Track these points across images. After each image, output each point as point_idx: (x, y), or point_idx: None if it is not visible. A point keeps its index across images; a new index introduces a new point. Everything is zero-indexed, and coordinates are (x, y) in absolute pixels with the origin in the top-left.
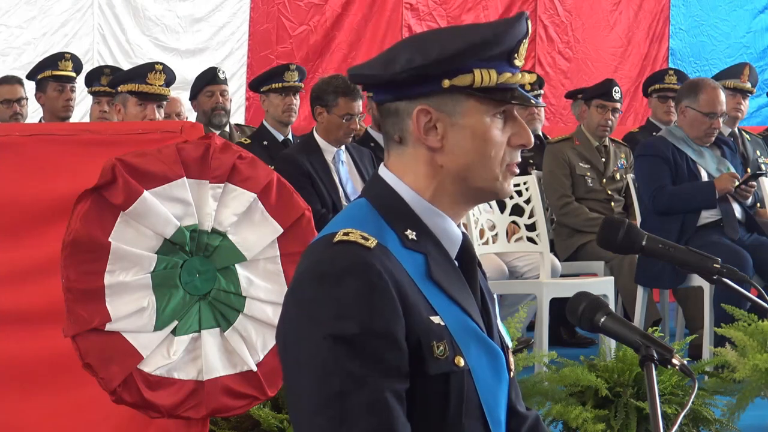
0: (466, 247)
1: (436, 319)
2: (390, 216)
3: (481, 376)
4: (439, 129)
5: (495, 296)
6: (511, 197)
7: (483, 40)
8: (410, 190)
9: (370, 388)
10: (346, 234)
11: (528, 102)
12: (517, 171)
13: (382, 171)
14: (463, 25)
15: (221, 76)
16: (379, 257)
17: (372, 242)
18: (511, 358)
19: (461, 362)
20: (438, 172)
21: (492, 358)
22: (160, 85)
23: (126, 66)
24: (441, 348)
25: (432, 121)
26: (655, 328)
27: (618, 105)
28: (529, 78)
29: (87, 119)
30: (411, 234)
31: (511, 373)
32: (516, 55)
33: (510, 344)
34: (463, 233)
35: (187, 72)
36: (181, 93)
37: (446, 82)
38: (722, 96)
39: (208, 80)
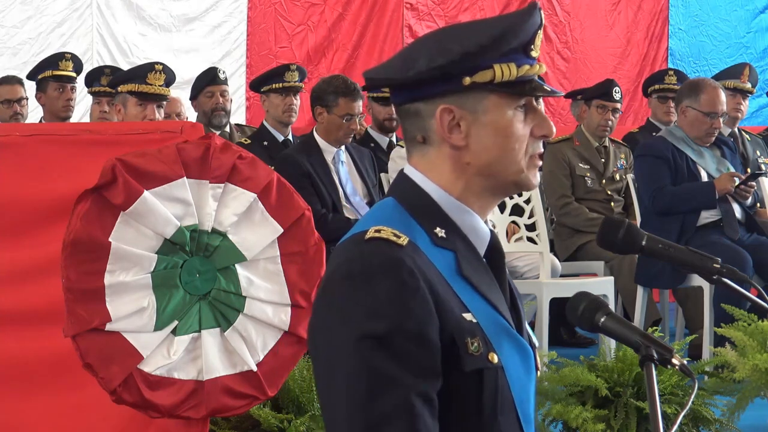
0: (495, 244)
1: (468, 316)
2: (418, 214)
3: (513, 372)
4: (462, 127)
5: None
6: (511, 197)
7: (502, 34)
8: (438, 188)
9: (398, 390)
10: (378, 231)
11: (546, 92)
12: (540, 162)
13: (408, 170)
14: (477, 21)
15: (221, 76)
16: (410, 255)
17: (404, 240)
18: (539, 357)
19: (495, 359)
20: (465, 170)
21: (523, 355)
22: (160, 85)
23: (123, 65)
24: (475, 344)
25: (455, 119)
26: (655, 328)
27: (618, 105)
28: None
29: (87, 119)
30: (440, 232)
31: (539, 372)
32: (532, 46)
33: (536, 342)
34: (491, 230)
35: (183, 71)
36: (178, 92)
37: (467, 80)
38: (723, 96)
39: (209, 81)
